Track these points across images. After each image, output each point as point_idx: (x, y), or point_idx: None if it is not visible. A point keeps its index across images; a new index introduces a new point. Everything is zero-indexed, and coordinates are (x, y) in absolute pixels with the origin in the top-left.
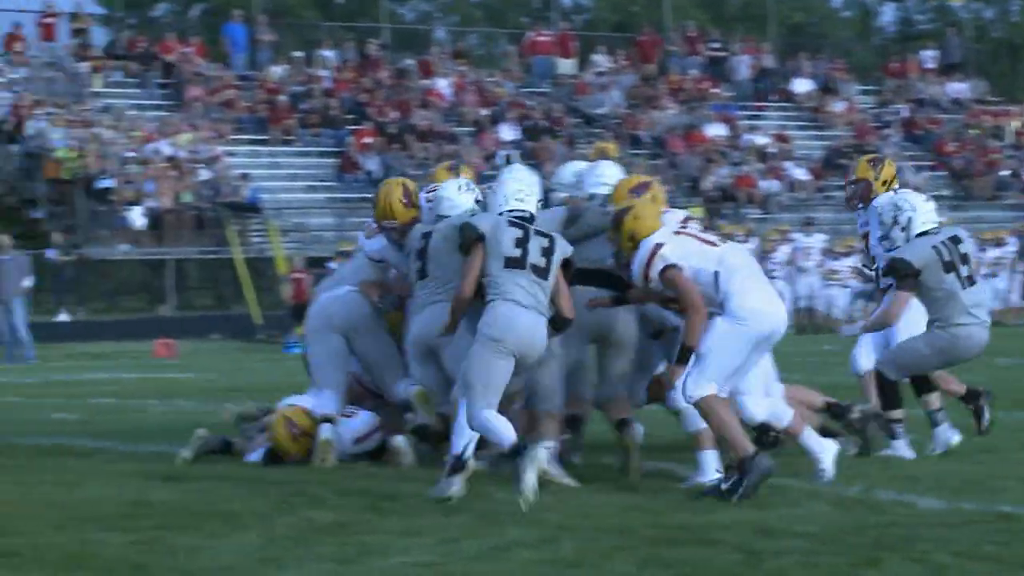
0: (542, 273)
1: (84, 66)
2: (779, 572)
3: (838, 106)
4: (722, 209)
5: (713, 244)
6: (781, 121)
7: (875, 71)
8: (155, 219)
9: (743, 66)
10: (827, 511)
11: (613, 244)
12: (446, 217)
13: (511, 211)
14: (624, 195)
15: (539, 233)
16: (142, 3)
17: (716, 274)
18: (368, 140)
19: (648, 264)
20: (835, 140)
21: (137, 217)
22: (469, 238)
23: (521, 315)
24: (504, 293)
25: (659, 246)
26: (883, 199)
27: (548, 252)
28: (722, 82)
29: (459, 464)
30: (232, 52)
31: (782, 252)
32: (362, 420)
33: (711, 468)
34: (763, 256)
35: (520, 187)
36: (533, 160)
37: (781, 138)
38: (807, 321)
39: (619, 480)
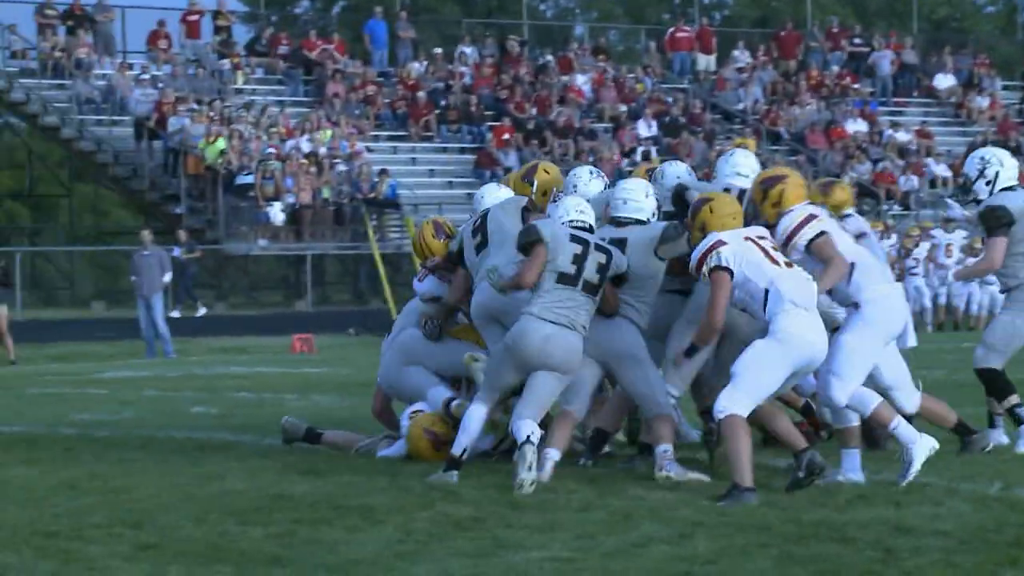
0: (592, 290)
1: (226, 63)
2: (916, 571)
3: (981, 102)
4: (862, 205)
5: (775, 263)
6: (923, 117)
7: (1019, 67)
8: (294, 215)
9: (885, 62)
10: (966, 509)
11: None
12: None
13: (571, 222)
14: (755, 187)
15: (599, 248)
16: (284, 1)
17: (766, 292)
18: (506, 136)
19: (704, 255)
20: (977, 136)
21: (276, 213)
22: (531, 240)
23: (541, 329)
24: (539, 308)
25: (721, 243)
26: (972, 155)
27: (603, 269)
28: (863, 78)
29: (455, 462)
30: (372, 49)
31: (922, 249)
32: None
33: (856, 465)
34: (903, 253)
35: (579, 202)
36: (672, 156)
37: (923, 134)
38: (946, 318)
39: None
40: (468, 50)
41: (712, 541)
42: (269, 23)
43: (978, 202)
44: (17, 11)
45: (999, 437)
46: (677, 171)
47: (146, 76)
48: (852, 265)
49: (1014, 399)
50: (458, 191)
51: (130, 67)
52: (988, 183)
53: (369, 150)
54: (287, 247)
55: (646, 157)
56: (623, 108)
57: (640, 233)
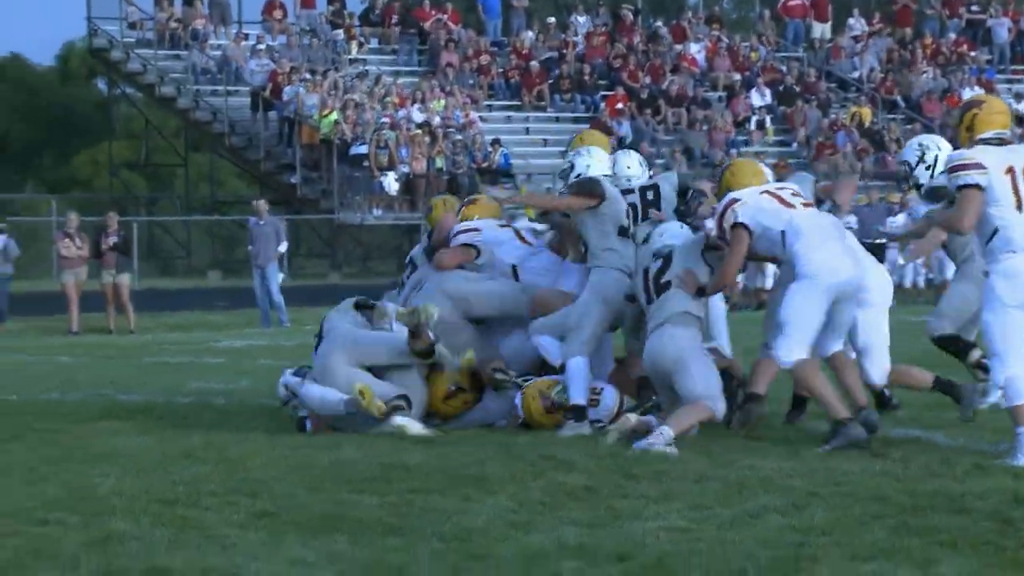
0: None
1: (340, 33)
2: None
3: None
4: None
5: (790, 206)
6: None
7: None
8: (408, 184)
9: (1002, 29)
10: None
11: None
12: None
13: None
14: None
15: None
16: None
17: (783, 233)
18: (620, 105)
19: (722, 215)
20: None
21: (390, 182)
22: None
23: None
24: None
25: (735, 201)
26: (910, 143)
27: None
28: (980, 46)
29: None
30: (486, 18)
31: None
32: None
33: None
34: None
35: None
36: (786, 125)
37: None
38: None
39: (868, 446)
40: (581, 19)
41: (827, 511)
42: None
43: (919, 187)
44: None
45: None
46: (628, 161)
47: (261, 46)
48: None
49: (976, 353)
50: None
51: (245, 37)
52: (928, 168)
53: (482, 120)
54: (401, 217)
55: (760, 126)
56: (737, 77)
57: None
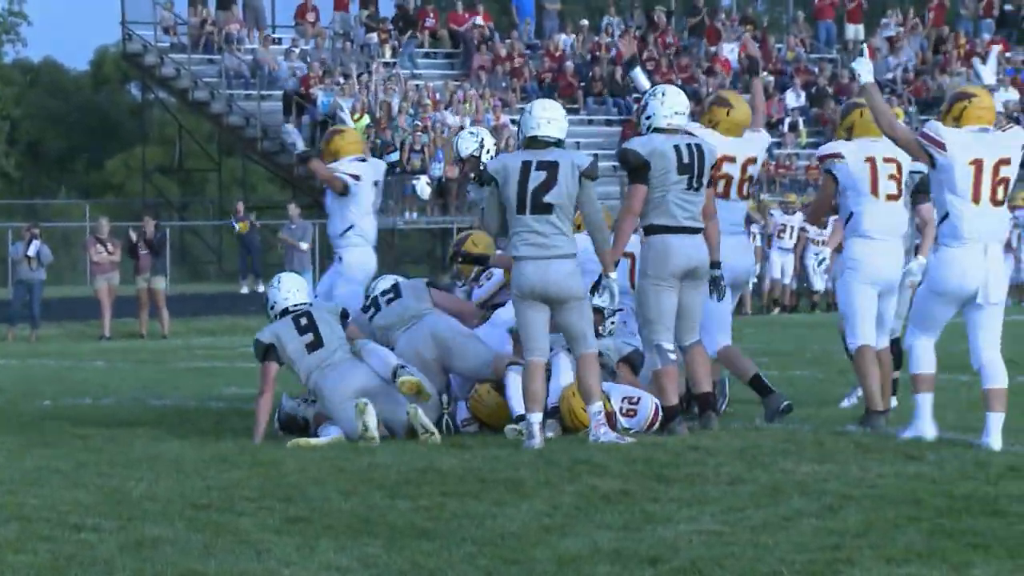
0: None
1: (373, 36)
2: None
3: None
4: None
5: (875, 193)
6: None
7: None
8: (440, 188)
9: None
10: None
11: None
12: None
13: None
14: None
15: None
16: None
17: (851, 215)
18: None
19: (823, 157)
20: None
21: (422, 186)
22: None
23: None
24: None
25: (839, 156)
26: None
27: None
28: (1015, 45)
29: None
30: (518, 21)
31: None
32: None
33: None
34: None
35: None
36: (819, 127)
37: None
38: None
39: (902, 449)
40: (614, 20)
41: (861, 514)
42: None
43: None
44: None
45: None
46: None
47: (294, 50)
48: None
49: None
50: (604, 163)
51: (278, 41)
52: None
53: (514, 123)
54: (433, 220)
55: (793, 128)
56: (770, 78)
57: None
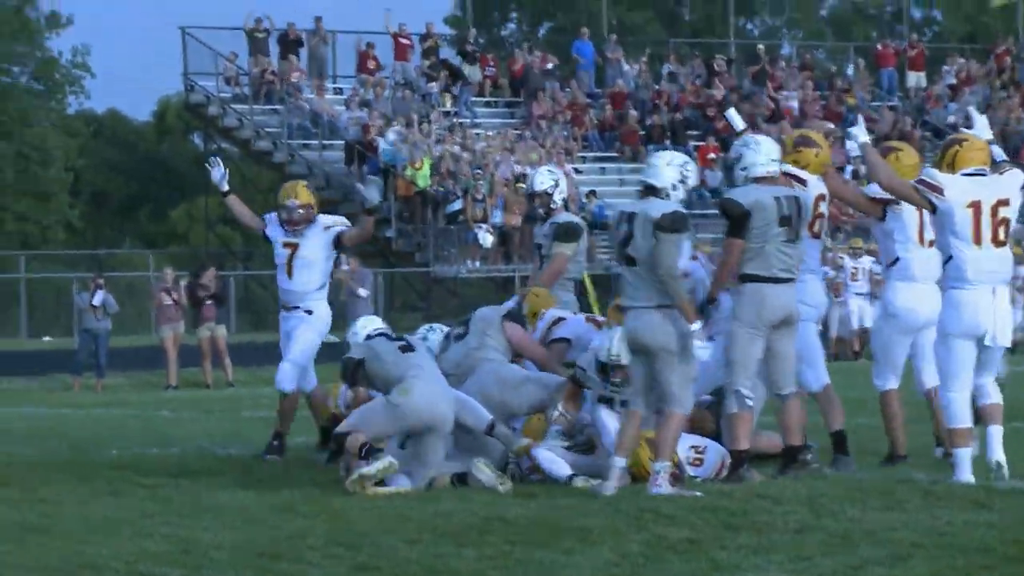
0: None
1: (434, 86)
2: None
3: None
4: None
5: (920, 241)
6: None
7: None
8: (503, 236)
9: None
10: None
11: None
12: None
13: None
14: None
15: None
16: (491, 23)
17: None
18: (712, 156)
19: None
20: None
21: (484, 235)
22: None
23: None
24: None
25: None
26: None
27: None
28: None
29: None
30: (579, 69)
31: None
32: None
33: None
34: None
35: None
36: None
37: None
38: None
39: (971, 496)
40: (674, 69)
41: (931, 563)
42: (476, 45)
43: None
44: (235, 37)
45: None
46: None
47: (355, 99)
48: None
49: None
50: None
51: (339, 91)
52: None
53: (577, 171)
54: (495, 269)
55: (856, 175)
56: (830, 125)
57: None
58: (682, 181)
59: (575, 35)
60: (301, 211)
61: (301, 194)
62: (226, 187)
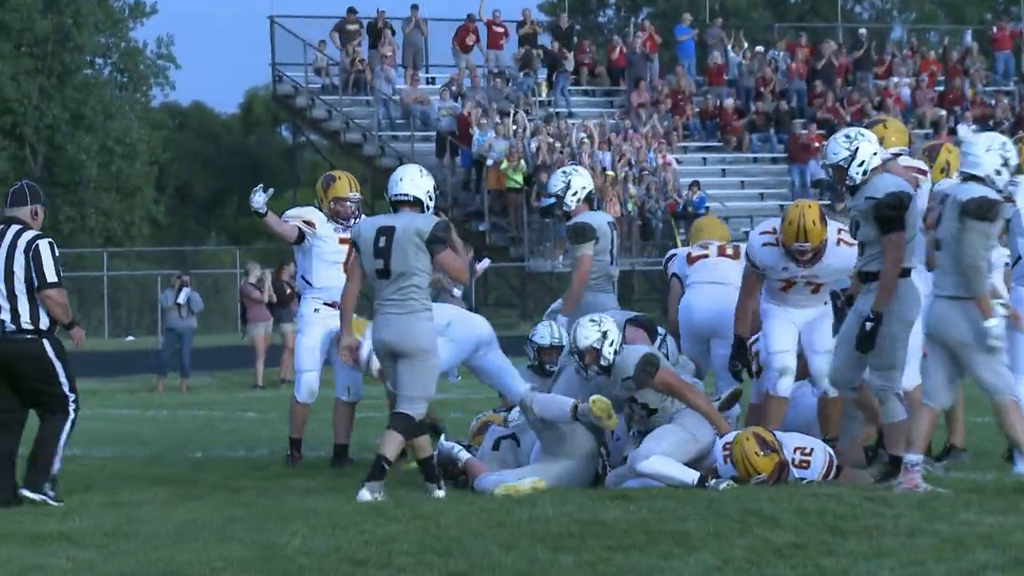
0: None
1: (529, 74)
2: None
3: None
4: None
5: None
6: None
7: None
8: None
9: None
10: None
11: None
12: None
13: None
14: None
15: None
16: (588, 9)
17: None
18: (817, 145)
19: None
20: None
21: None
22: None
23: None
24: None
25: None
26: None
27: None
28: None
29: None
30: (681, 57)
31: None
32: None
33: None
34: None
35: None
36: None
37: None
38: None
39: None
40: (780, 55)
41: None
42: (573, 32)
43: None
44: (325, 26)
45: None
46: None
47: (449, 89)
48: None
49: None
50: (770, 203)
51: (432, 80)
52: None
53: (678, 161)
54: None
55: None
56: (942, 112)
57: None
58: (1005, 164)
59: (675, 20)
60: (355, 205)
61: (357, 186)
62: (264, 211)
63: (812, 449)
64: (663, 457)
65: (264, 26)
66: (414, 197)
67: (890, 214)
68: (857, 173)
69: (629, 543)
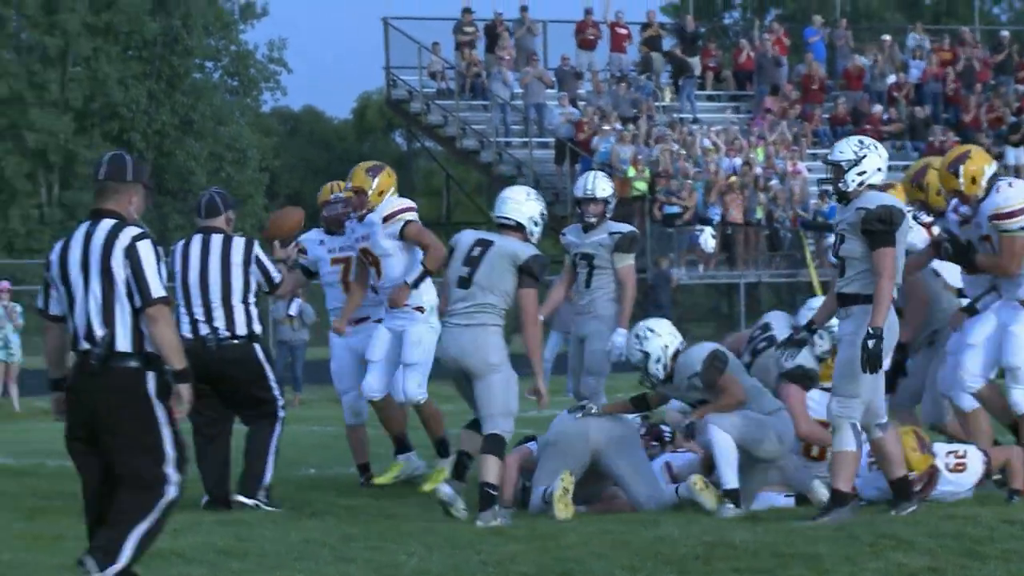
0: None
1: (652, 79)
2: None
3: None
4: None
5: None
6: None
7: None
8: (725, 239)
9: None
10: None
11: None
12: None
13: None
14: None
15: None
16: (713, 11)
17: None
18: None
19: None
20: None
21: (706, 238)
22: None
23: None
24: None
25: None
26: None
27: None
28: None
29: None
30: (810, 59)
31: None
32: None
33: None
34: None
35: None
36: None
37: None
38: None
39: None
40: (914, 61)
41: None
42: (699, 35)
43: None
44: (439, 29)
45: None
46: None
47: (567, 94)
48: None
49: None
50: None
51: (551, 85)
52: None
53: (808, 168)
54: (718, 274)
55: None
56: None
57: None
58: None
59: (804, 23)
60: (342, 204)
61: (342, 185)
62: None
63: (965, 452)
64: (730, 444)
65: (378, 28)
66: (516, 222)
67: (879, 227)
68: (853, 180)
69: (758, 566)
